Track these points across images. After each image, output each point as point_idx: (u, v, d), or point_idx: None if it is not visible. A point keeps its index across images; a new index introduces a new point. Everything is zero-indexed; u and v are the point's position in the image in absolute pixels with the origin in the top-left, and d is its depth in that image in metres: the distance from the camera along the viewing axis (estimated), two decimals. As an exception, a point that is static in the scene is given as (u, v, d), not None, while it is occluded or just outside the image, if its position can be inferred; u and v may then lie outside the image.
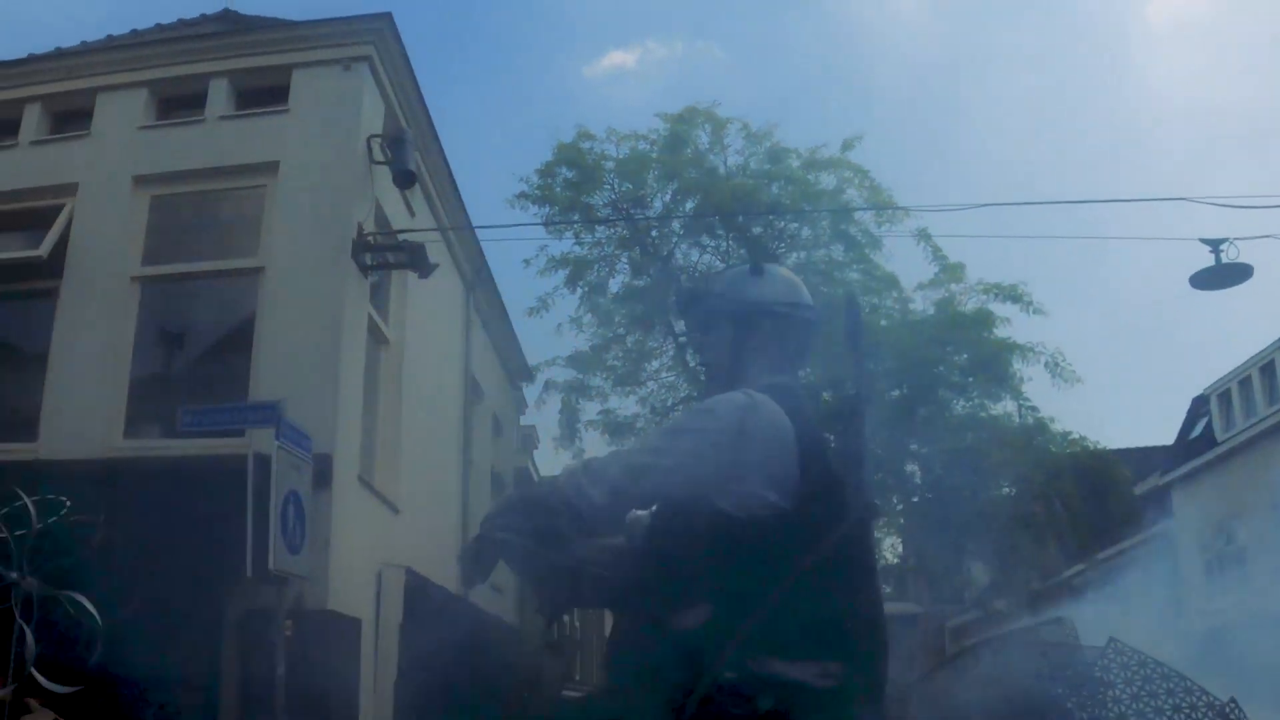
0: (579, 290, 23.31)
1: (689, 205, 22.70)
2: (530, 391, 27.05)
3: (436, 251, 15.81)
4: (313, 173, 13.84)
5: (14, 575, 10.32)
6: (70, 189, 14.37)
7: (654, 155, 22.90)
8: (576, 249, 23.60)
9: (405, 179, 14.26)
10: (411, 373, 16.22)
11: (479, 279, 20.52)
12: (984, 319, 21.51)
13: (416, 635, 14.12)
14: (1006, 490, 21.70)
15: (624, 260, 23.60)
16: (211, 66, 14.77)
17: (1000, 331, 21.57)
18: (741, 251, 22.75)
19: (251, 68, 14.79)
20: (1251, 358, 31.31)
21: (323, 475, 12.08)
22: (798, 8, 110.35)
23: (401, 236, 14.85)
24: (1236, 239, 14.54)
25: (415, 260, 14.32)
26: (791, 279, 4.26)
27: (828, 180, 22.69)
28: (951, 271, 22.10)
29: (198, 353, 14.14)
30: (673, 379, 24.35)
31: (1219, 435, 32.41)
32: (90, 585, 10.45)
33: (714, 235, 23.02)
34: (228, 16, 17.53)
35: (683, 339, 23.19)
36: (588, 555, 3.83)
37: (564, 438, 23.87)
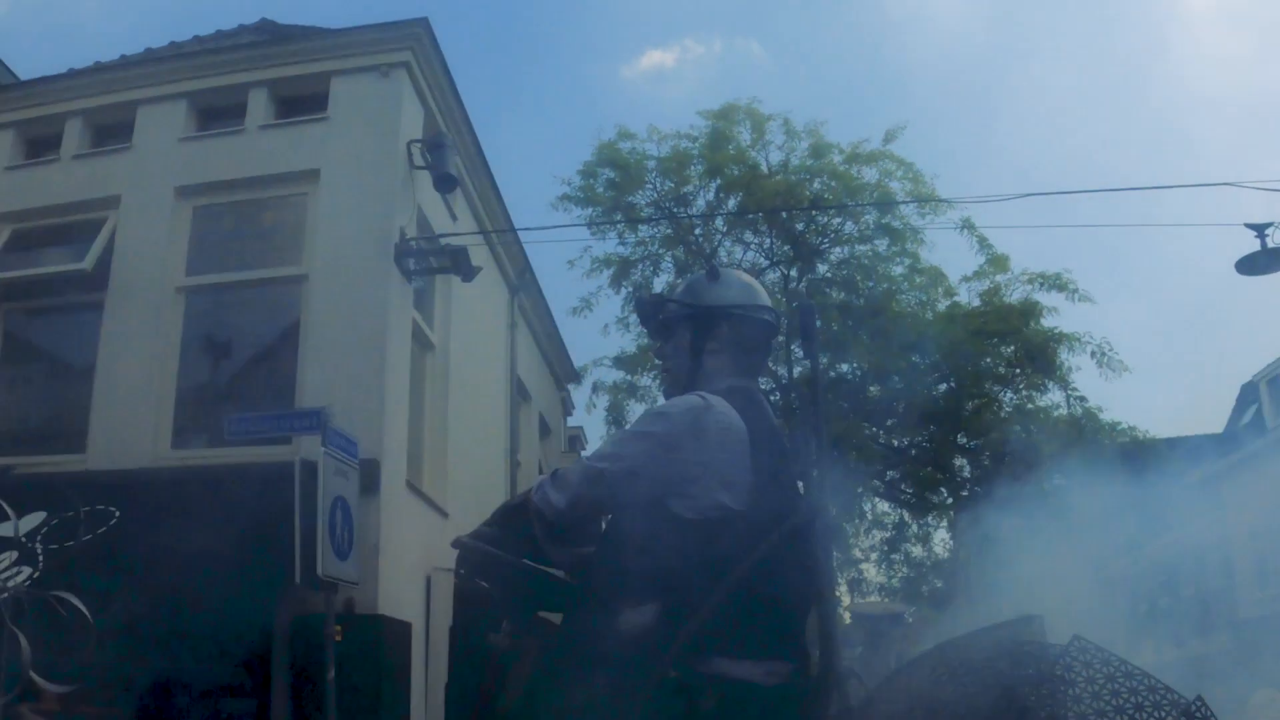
0: (624, 290, 23.30)
1: (731, 203, 22.64)
2: (578, 394, 27.09)
3: (479, 255, 15.79)
4: (354, 179, 13.84)
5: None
6: (113, 201, 14.44)
7: (696, 153, 22.86)
8: (620, 249, 23.61)
9: (446, 183, 14.24)
10: (457, 376, 16.23)
11: (522, 281, 20.52)
12: (1030, 310, 21.39)
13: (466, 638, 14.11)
14: (1057, 481, 21.54)
15: (668, 259, 23.60)
16: (250, 76, 14.82)
17: (1047, 322, 21.43)
18: (785, 248, 22.71)
19: (290, 76, 14.82)
20: (1302, 343, 31.04)
21: (370, 481, 12.08)
22: (835, 1, 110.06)
23: (444, 241, 14.85)
24: (1282, 223, 14.42)
25: (458, 264, 14.30)
26: (748, 282, 4.28)
27: (870, 174, 22.61)
28: (996, 263, 21.98)
29: (243, 361, 14.16)
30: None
31: (1269, 422, 32.16)
32: (138, 593, 10.50)
33: (757, 232, 22.96)
34: (265, 26, 17.56)
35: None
36: (556, 560, 3.91)
37: (612, 438, 23.86)
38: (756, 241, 23.19)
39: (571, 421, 29.14)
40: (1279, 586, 28.84)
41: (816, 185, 22.36)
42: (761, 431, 3.77)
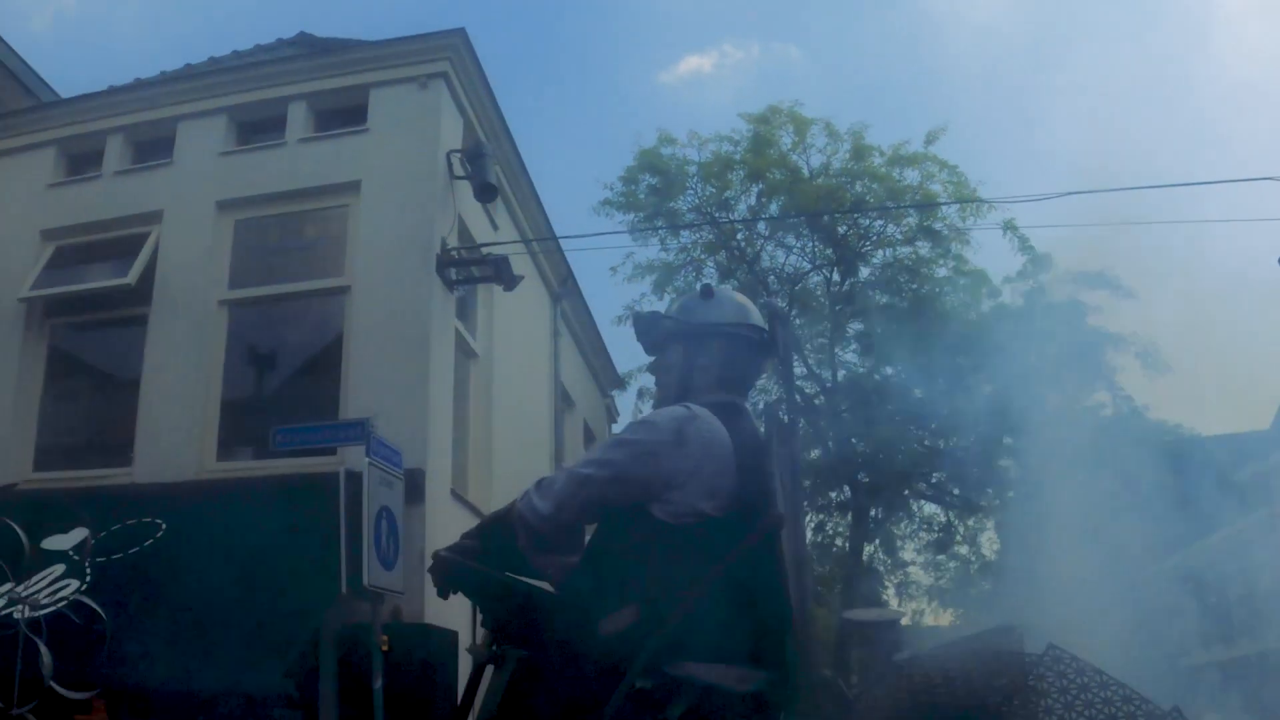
0: (666, 296, 23.27)
1: (774, 206, 22.62)
2: (623, 400, 27.08)
3: (521, 263, 15.82)
4: (394, 190, 13.87)
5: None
6: (155, 216, 14.52)
7: (737, 157, 22.84)
8: (662, 255, 23.60)
9: (486, 192, 14.25)
10: (501, 384, 16.24)
11: (565, 289, 20.51)
12: (1075, 309, 21.29)
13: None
14: (1104, 480, 21.43)
15: (711, 264, 23.58)
16: (289, 90, 14.87)
17: (1091, 321, 21.34)
18: (828, 251, 22.67)
19: (329, 89, 14.86)
20: (1348, 339, 30.88)
21: (415, 490, 12.08)
22: (873, 2, 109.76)
23: (485, 250, 14.86)
24: (1325, 218, 14.34)
25: (500, 273, 14.31)
26: (741, 302, 4.35)
27: (911, 176, 22.55)
28: (1039, 262, 21.88)
29: (287, 373, 14.22)
30: (763, 382, 24.24)
31: (1317, 418, 32.00)
32: (185, 604, 10.53)
33: (799, 236, 22.93)
34: (303, 40, 17.62)
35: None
36: (540, 568, 3.98)
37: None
38: (799, 245, 23.18)
39: (616, 428, 29.12)
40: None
41: (858, 188, 22.32)
42: (746, 445, 3.83)
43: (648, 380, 24.65)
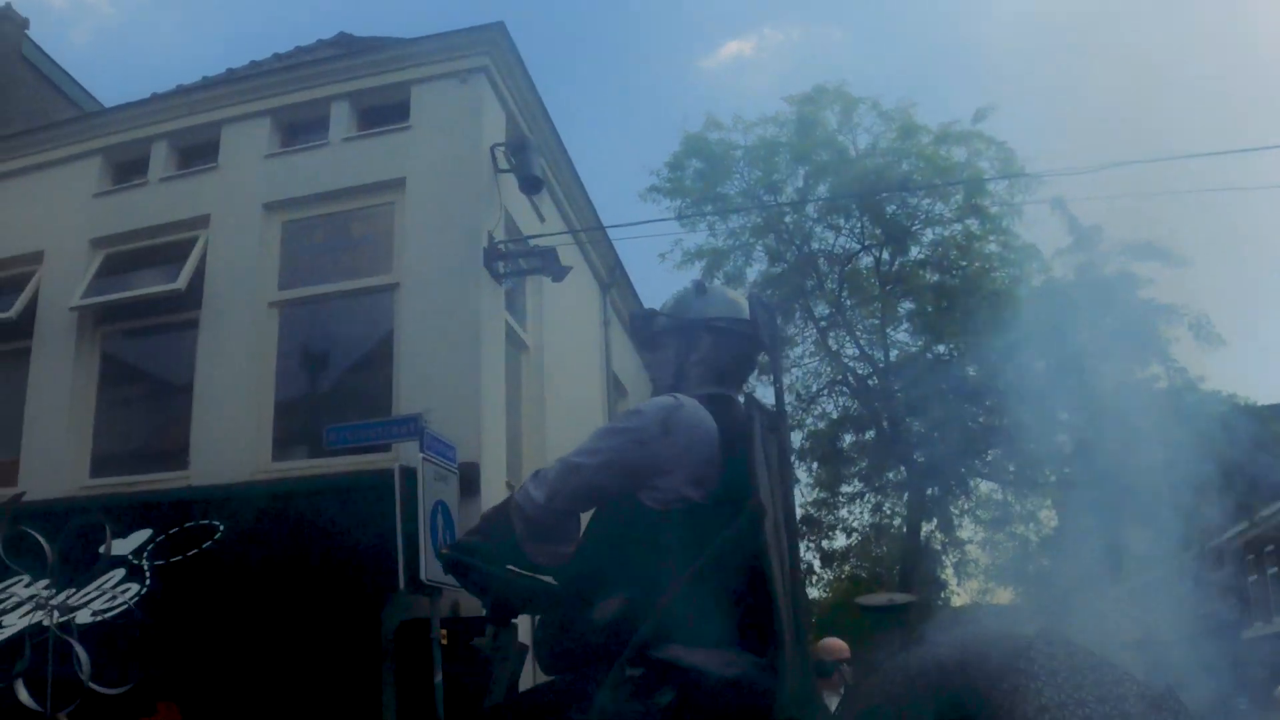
0: (717, 281, 23.23)
1: (821, 188, 22.55)
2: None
3: (569, 254, 15.83)
4: (439, 186, 13.87)
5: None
6: (202, 221, 14.60)
7: (784, 140, 22.77)
8: (711, 240, 23.57)
9: (532, 185, 14.23)
10: (552, 376, 16.25)
11: (613, 277, 20.49)
12: (1126, 281, 21.15)
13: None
14: (1160, 454, 21.28)
15: (760, 248, 23.53)
16: (331, 90, 14.89)
17: (1143, 293, 21.19)
18: (877, 231, 22.59)
19: (370, 88, 14.86)
20: (1405, 304, 30.59)
21: (470, 483, 12.10)
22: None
23: (532, 242, 14.85)
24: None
25: (548, 265, 14.31)
26: (733, 298, 4.41)
27: (959, 154, 22.44)
28: (1089, 235, 21.75)
29: (339, 371, 14.25)
30: (816, 364, 24.27)
31: (1376, 383, 31.75)
32: (244, 604, 10.58)
33: (848, 217, 22.85)
34: (343, 40, 17.68)
35: (823, 323, 23.06)
36: (536, 557, 4.03)
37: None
38: (848, 226, 23.10)
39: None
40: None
41: (905, 167, 22.22)
42: (733, 435, 3.85)
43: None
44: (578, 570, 3.90)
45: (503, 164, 14.20)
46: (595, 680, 3.55)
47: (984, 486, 24.90)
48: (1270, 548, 34.19)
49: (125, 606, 11.08)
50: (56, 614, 10.40)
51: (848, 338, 23.43)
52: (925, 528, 23.89)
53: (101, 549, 10.86)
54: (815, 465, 24.41)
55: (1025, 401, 21.87)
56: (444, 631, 10.66)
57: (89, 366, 14.73)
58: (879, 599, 13.49)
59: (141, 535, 12.29)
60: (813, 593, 33.53)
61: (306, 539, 11.48)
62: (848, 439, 24.25)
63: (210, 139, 15.15)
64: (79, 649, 9.94)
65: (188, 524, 12.29)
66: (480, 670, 4.10)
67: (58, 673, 9.72)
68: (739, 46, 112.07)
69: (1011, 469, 23.43)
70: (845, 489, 24.75)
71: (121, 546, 11.78)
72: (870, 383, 23.19)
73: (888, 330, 23.03)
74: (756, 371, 5.76)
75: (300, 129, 15.15)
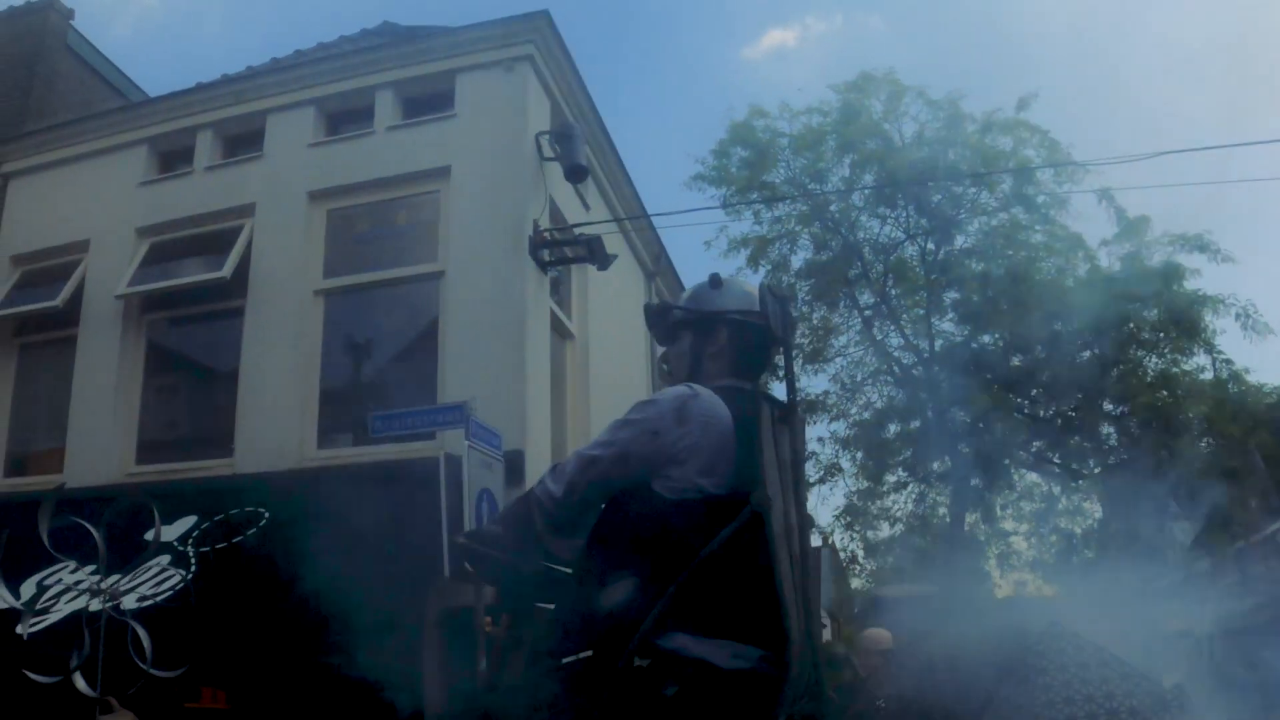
0: (762, 269, 23.19)
1: (867, 176, 22.46)
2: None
3: (614, 242, 15.79)
4: (484, 174, 13.87)
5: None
6: (248, 209, 14.67)
7: (829, 128, 22.70)
8: (756, 228, 23.50)
9: (577, 173, 14.22)
10: (597, 364, 16.26)
11: (659, 266, 20.48)
12: (1173, 272, 20.97)
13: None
14: (1204, 445, 21.13)
15: (805, 236, 23.45)
16: (376, 79, 14.91)
17: (1189, 284, 21.01)
18: (923, 221, 22.50)
19: (415, 76, 14.88)
20: None
21: (515, 472, 12.09)
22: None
23: (578, 230, 14.83)
24: None
25: (593, 253, 14.30)
26: (749, 290, 4.43)
27: (1004, 143, 22.31)
28: (1135, 226, 21.59)
29: (384, 359, 14.27)
30: (861, 354, 24.18)
31: None
32: (288, 591, 10.60)
33: (894, 206, 22.75)
34: (387, 29, 17.72)
35: (868, 313, 22.99)
36: (557, 551, 4.07)
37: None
38: (893, 216, 23.00)
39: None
40: None
41: (950, 156, 22.11)
42: (746, 426, 3.85)
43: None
44: (589, 556, 3.92)
45: (547, 152, 14.18)
46: (603, 667, 3.58)
47: (1028, 477, 24.79)
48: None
49: (173, 592, 11.14)
50: (106, 599, 10.44)
51: (892, 327, 23.36)
52: (969, 519, 23.79)
53: (150, 535, 10.89)
54: (860, 455, 24.37)
55: (1071, 392, 21.78)
56: (488, 619, 10.66)
57: (134, 354, 14.81)
58: (901, 591, 13.46)
59: (187, 522, 12.35)
60: (856, 583, 33.50)
61: (351, 527, 11.46)
62: (892, 428, 24.16)
63: (255, 128, 15.23)
64: (137, 630, 9.99)
65: (232, 511, 12.34)
66: (494, 657, 4.14)
67: (108, 657, 9.76)
68: (781, 35, 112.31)
69: (1056, 460, 23.31)
70: (889, 478, 24.66)
71: (167, 533, 11.82)
72: (915, 372, 23.10)
73: (933, 320, 22.93)
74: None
75: (345, 118, 15.18)
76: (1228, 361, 21.34)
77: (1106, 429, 22.72)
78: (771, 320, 4.19)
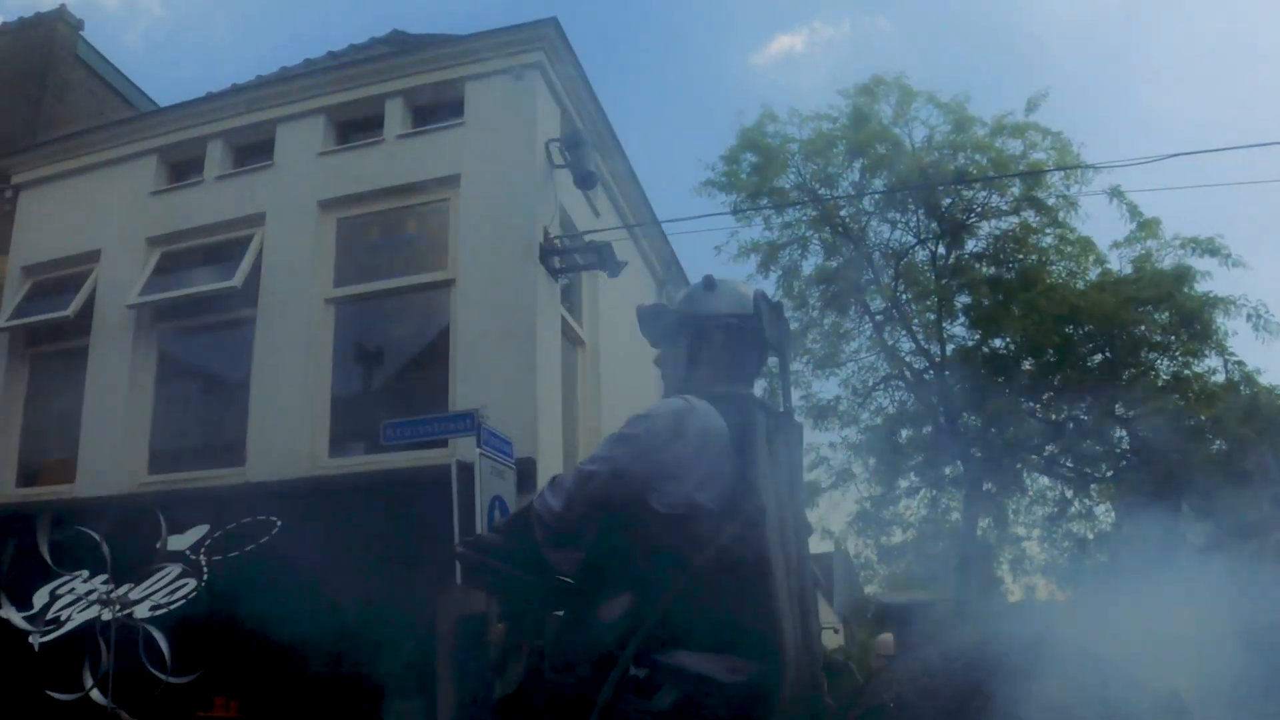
0: (772, 275, 23.17)
1: (877, 181, 22.43)
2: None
3: (624, 249, 15.78)
4: (494, 182, 13.88)
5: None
6: (258, 218, 14.69)
7: (839, 133, 22.68)
8: (767, 233, 23.49)
9: (586, 180, 14.22)
10: (608, 370, 16.25)
11: (669, 272, 20.48)
12: (1183, 274, 20.94)
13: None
14: (1216, 447, 21.08)
15: (816, 241, 23.42)
16: (385, 88, 14.93)
17: (1200, 286, 20.97)
18: (933, 225, 22.47)
19: (424, 85, 14.90)
20: None
21: (527, 478, 12.09)
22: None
23: (588, 237, 14.86)
24: None
25: (603, 260, 14.30)
26: (742, 292, 4.35)
27: (1014, 145, 22.28)
28: (1147, 228, 21.55)
29: (395, 368, 14.29)
30: (872, 359, 24.12)
31: None
32: (302, 599, 10.61)
33: (904, 210, 22.73)
34: (396, 38, 17.72)
35: (879, 318, 22.96)
36: (556, 563, 4.01)
37: (765, 425, 23.70)
38: (903, 220, 22.96)
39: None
40: None
41: (960, 160, 22.07)
42: (744, 437, 3.83)
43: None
44: (588, 569, 3.90)
45: (557, 159, 14.21)
46: (601, 679, 3.56)
47: (1041, 481, 24.74)
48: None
49: (185, 601, 11.15)
50: (117, 608, 10.47)
51: (904, 332, 23.32)
52: (981, 523, 23.75)
53: (158, 544, 10.92)
54: (872, 460, 24.32)
55: (1082, 395, 21.74)
56: (500, 626, 10.67)
57: (146, 364, 14.85)
58: (903, 597, 13.45)
59: (199, 531, 12.37)
60: (869, 588, 33.48)
61: (363, 535, 11.51)
62: (904, 434, 24.12)
63: (265, 137, 15.25)
64: (147, 637, 10.01)
65: (244, 520, 12.37)
66: (491, 667, 4.15)
67: (120, 666, 9.78)
68: (789, 41, 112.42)
69: (1069, 464, 23.27)
70: (901, 483, 24.61)
71: (179, 542, 11.87)
72: (926, 377, 23.06)
73: (944, 324, 22.88)
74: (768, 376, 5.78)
75: (355, 127, 15.20)
76: (1240, 363, 21.31)
77: (1119, 432, 22.67)
78: (766, 327, 4.19)
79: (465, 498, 10.73)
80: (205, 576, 11.62)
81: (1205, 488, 20.83)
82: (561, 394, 14.06)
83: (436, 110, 14.87)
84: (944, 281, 22.56)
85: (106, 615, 10.41)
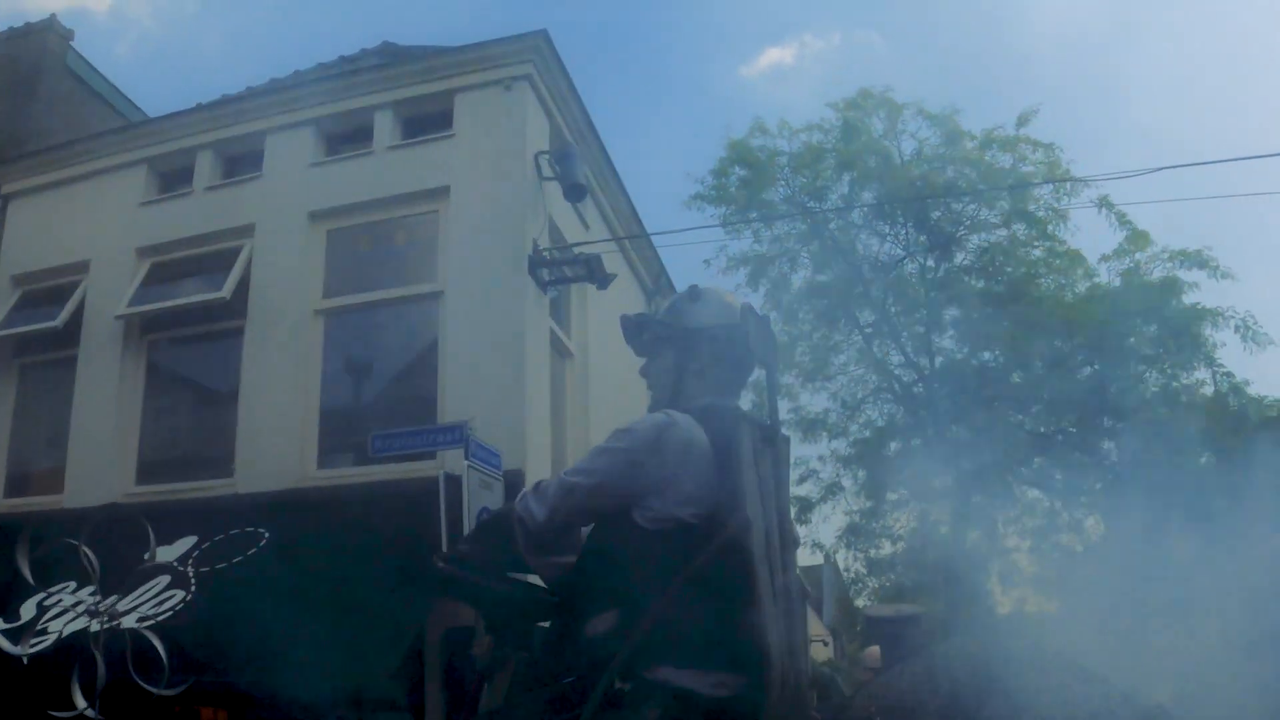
0: (761, 288, 23.20)
1: (866, 194, 22.46)
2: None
3: (613, 261, 15.78)
4: (483, 194, 13.87)
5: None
6: (247, 230, 14.67)
7: (829, 146, 22.69)
8: (756, 246, 23.50)
9: (575, 192, 14.23)
10: (597, 383, 16.25)
11: (658, 285, 20.44)
12: (1172, 286, 20.96)
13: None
14: (1205, 459, 21.08)
15: (805, 255, 23.44)
16: (375, 99, 14.92)
17: (1188, 298, 21.00)
18: (922, 238, 22.49)
19: (414, 96, 14.89)
20: None
21: (515, 491, 11.93)
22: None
23: (577, 250, 14.86)
24: None
25: (593, 272, 14.30)
26: (728, 302, 4.41)
27: (1004, 159, 22.31)
28: (1136, 240, 21.57)
29: (384, 379, 14.27)
30: (861, 372, 24.16)
31: None
32: (288, 612, 10.59)
33: (893, 223, 22.75)
34: (386, 49, 17.72)
35: (868, 330, 22.97)
36: (537, 568, 4.15)
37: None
38: (893, 233, 22.98)
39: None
40: None
41: (950, 173, 22.11)
42: (727, 451, 3.86)
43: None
44: (573, 584, 3.95)
45: (546, 172, 14.20)
46: (586, 693, 3.59)
47: (1030, 494, 24.75)
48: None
49: (172, 612, 11.13)
50: (105, 619, 10.44)
51: (893, 345, 23.35)
52: (970, 536, 23.75)
53: (146, 555, 10.89)
54: (861, 473, 24.35)
55: (1071, 408, 21.76)
56: (487, 639, 10.65)
57: (134, 375, 14.83)
58: (886, 610, 13.45)
59: (187, 542, 12.36)
60: (859, 601, 33.44)
61: (351, 547, 11.50)
62: (893, 446, 24.15)
63: (254, 148, 15.23)
64: (135, 648, 9.98)
65: (233, 531, 12.35)
66: (477, 679, 4.16)
67: (108, 678, 9.75)
68: (779, 54, 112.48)
69: (1058, 477, 23.27)
70: (890, 496, 24.62)
71: (167, 553, 11.83)
72: (916, 390, 23.08)
73: (933, 337, 22.90)
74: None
75: (344, 138, 15.18)
76: (1228, 375, 21.33)
77: (1107, 444, 22.69)
78: (754, 344, 4.19)
79: (453, 510, 10.72)
80: (193, 588, 11.59)
81: (1195, 500, 20.85)
82: (550, 406, 14.04)
83: (426, 122, 14.85)
84: (933, 294, 22.59)
85: (95, 626, 10.38)
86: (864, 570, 26.79)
